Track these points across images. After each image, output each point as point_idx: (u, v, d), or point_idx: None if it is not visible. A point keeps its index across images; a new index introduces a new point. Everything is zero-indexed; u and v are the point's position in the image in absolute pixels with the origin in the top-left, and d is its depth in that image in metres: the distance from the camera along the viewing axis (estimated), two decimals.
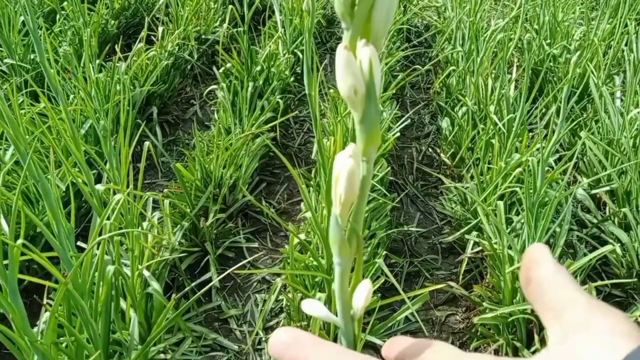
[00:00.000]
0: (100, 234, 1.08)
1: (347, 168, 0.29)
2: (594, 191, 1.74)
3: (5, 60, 2.14)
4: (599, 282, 1.25)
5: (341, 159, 0.30)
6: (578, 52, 1.08)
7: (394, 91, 1.89)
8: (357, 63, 0.28)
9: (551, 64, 2.10)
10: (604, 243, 1.66)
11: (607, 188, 1.69)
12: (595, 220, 1.71)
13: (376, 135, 0.30)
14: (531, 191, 1.31)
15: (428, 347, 0.29)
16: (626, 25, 2.03)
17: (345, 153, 0.31)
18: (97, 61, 1.94)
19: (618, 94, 1.88)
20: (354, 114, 0.29)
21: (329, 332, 1.33)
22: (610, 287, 1.56)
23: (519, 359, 0.28)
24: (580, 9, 2.51)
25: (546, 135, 1.84)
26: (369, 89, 0.28)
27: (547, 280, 0.25)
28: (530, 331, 1.34)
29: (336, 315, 0.37)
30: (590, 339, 0.21)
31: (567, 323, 0.23)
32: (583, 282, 1.53)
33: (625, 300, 1.57)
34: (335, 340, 0.37)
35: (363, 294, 0.36)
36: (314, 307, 0.36)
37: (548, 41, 2.19)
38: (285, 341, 0.28)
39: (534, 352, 1.31)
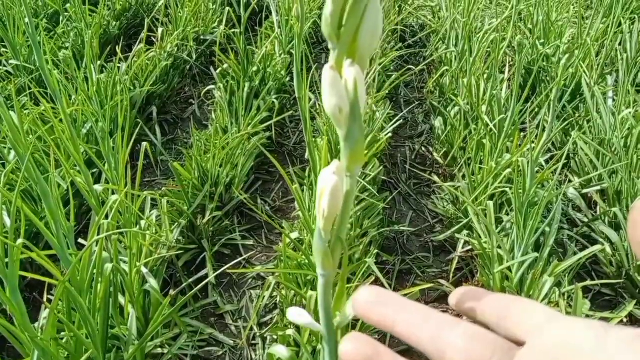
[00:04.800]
0: (98, 233, 1.11)
1: (331, 185, 0.30)
2: (585, 190, 1.77)
3: (10, 62, 2.18)
4: (587, 282, 1.28)
5: (325, 175, 0.32)
6: (567, 55, 1.10)
7: (387, 91, 1.91)
8: (342, 82, 0.28)
9: (544, 63, 2.12)
10: (594, 242, 1.69)
11: (598, 188, 1.72)
12: (586, 219, 1.74)
13: (360, 152, 0.31)
14: (520, 191, 1.34)
15: (514, 303, 0.25)
16: (620, 25, 2.05)
17: (330, 169, 0.32)
18: (99, 62, 1.98)
19: (610, 93, 1.91)
20: (338, 131, 0.30)
21: None
22: (600, 285, 1.59)
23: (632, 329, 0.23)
24: (574, 8, 2.53)
25: (544, 131, 1.87)
26: (354, 108, 0.29)
27: None
28: None
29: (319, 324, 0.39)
30: None
31: None
32: (572, 281, 1.56)
33: (614, 298, 1.60)
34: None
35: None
36: (298, 315, 0.39)
37: (542, 41, 2.22)
38: (370, 300, 0.27)
39: None
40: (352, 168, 0.31)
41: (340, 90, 0.28)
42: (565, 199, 1.85)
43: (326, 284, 0.36)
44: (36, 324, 1.16)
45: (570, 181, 1.90)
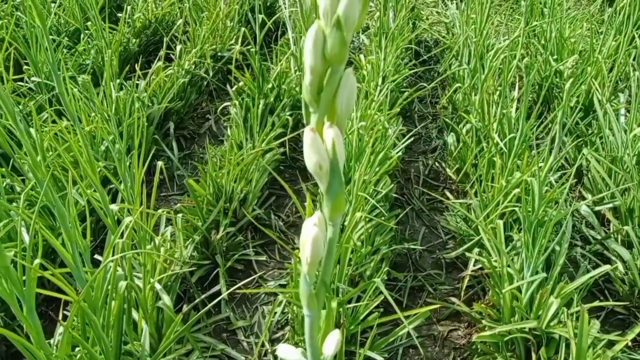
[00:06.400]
0: (113, 252, 1.15)
1: (312, 236, 0.34)
2: (597, 208, 1.76)
3: (32, 79, 2.25)
4: (594, 304, 1.27)
5: (307, 226, 0.35)
6: (571, 80, 1.10)
7: (398, 109, 1.93)
8: (322, 143, 0.32)
9: (557, 80, 2.12)
10: (607, 260, 1.68)
11: (610, 205, 1.71)
12: (599, 237, 1.73)
13: (340, 203, 0.34)
14: (529, 211, 1.35)
15: None
16: (632, 41, 2.04)
17: (311, 221, 0.35)
18: (117, 80, 2.04)
19: (622, 110, 1.89)
20: (320, 185, 0.34)
21: None
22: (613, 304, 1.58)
23: None
24: (587, 25, 2.52)
25: (552, 150, 1.86)
26: (333, 165, 0.32)
27: None
28: (529, 349, 1.37)
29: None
30: None
31: None
32: (584, 299, 1.55)
33: (627, 318, 1.59)
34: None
35: (332, 343, 0.41)
36: (287, 351, 0.42)
37: (555, 57, 2.21)
38: None
39: None
40: (334, 217, 0.34)
41: (320, 149, 0.32)
42: (578, 216, 1.84)
43: (312, 324, 0.39)
44: (52, 340, 1.20)
45: (583, 198, 1.89)
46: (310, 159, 0.32)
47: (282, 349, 0.41)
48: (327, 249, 0.37)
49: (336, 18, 0.29)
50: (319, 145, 0.32)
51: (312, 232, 0.34)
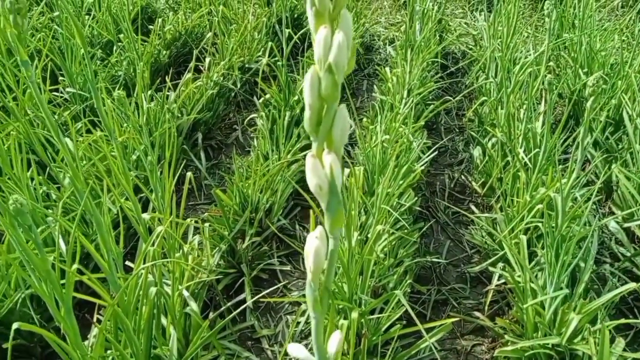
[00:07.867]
0: (144, 258, 1.19)
1: (314, 248, 0.39)
2: (626, 224, 1.74)
3: (67, 89, 2.34)
4: (617, 322, 1.26)
5: (309, 239, 0.39)
6: (592, 97, 1.11)
7: (422, 123, 1.94)
8: (322, 167, 0.37)
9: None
10: (637, 277, 1.65)
11: (639, 222, 1.69)
12: (628, 254, 1.70)
13: (339, 219, 0.39)
14: (553, 227, 1.34)
15: None
16: None
17: (313, 234, 0.40)
18: (149, 92, 2.10)
19: None
20: (321, 203, 0.39)
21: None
22: None
23: None
24: (618, 38, 2.49)
25: (583, 167, 1.85)
26: (331, 186, 0.37)
27: None
28: None
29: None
30: None
31: None
32: (612, 317, 1.53)
33: None
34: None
35: (335, 343, 0.45)
36: (297, 350, 0.46)
37: (585, 70, 2.20)
38: None
39: None
40: (334, 231, 0.39)
41: (320, 173, 0.36)
42: (608, 232, 1.82)
43: (317, 325, 0.43)
44: (85, 342, 1.25)
45: (613, 214, 1.87)
46: (311, 181, 0.36)
47: (292, 347, 0.45)
48: (329, 259, 0.41)
49: (328, 64, 0.33)
50: (319, 169, 0.36)
51: (314, 244, 0.38)
